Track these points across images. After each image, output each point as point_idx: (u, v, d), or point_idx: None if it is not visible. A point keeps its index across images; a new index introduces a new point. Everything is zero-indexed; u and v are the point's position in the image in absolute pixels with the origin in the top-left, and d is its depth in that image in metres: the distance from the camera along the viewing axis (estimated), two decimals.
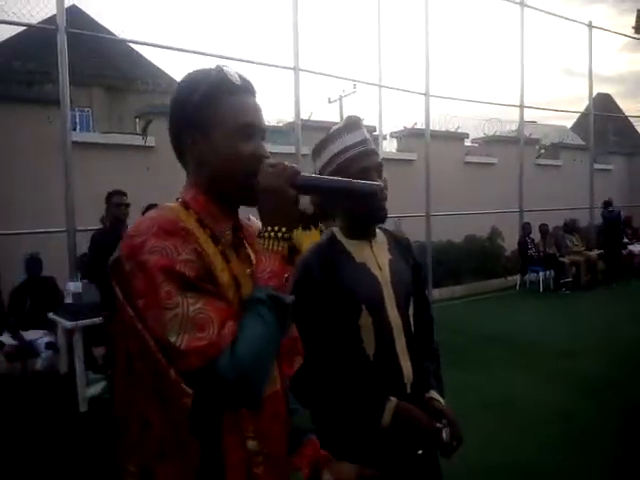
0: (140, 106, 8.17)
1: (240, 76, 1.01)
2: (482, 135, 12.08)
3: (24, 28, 6.07)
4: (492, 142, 11.86)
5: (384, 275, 1.44)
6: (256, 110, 1.02)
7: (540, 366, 5.16)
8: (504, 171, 10.50)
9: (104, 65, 14.98)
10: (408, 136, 10.27)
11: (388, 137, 10.56)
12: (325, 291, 1.35)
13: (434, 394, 1.43)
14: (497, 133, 12.05)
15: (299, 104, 6.52)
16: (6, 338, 4.69)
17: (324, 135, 1.46)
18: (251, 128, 0.99)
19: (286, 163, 0.97)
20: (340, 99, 18.11)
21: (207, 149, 0.97)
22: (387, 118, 8.31)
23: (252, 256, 1.05)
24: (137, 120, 7.89)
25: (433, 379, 1.48)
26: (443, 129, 10.72)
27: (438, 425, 1.32)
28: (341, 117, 15.35)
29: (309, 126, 7.48)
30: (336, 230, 1.48)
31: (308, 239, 2.38)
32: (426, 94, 7.87)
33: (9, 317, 4.84)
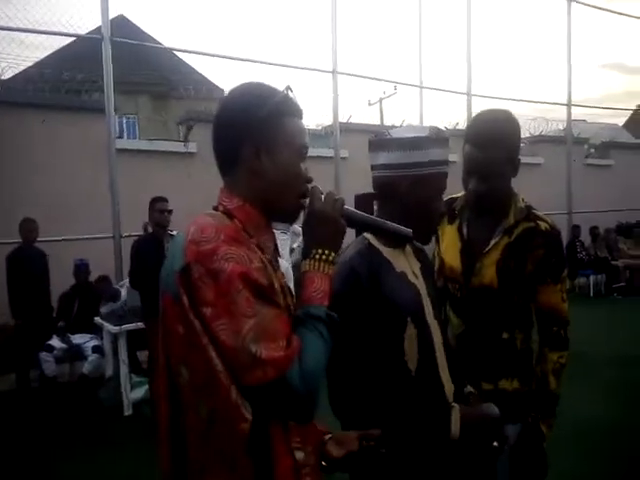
0: (182, 112, 8.37)
1: (294, 98, 1.06)
2: (527, 135, 11.71)
3: (74, 39, 6.30)
4: (538, 142, 11.49)
5: (421, 284, 1.39)
6: (306, 134, 1.07)
7: (590, 376, 4.92)
8: (551, 172, 10.15)
9: (150, 73, 15.41)
10: (450, 137, 10.04)
11: None
12: (371, 300, 1.29)
13: (470, 388, 1.42)
14: (543, 132, 11.67)
15: (337, 107, 6.50)
16: (55, 341, 4.85)
17: (374, 135, 1.38)
18: (306, 151, 1.05)
19: (334, 193, 1.05)
20: (380, 101, 18.01)
21: (269, 164, 0.99)
22: (428, 119, 8.17)
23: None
24: (179, 127, 8.04)
25: None
26: None
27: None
28: (381, 119, 15.22)
29: (348, 129, 7.45)
30: (369, 237, 1.42)
31: None
32: (468, 93, 7.70)
33: (58, 321, 5.01)
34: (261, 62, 6.50)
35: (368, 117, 12.07)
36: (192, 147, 6.78)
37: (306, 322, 0.94)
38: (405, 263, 1.39)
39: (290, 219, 1.07)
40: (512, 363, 1.62)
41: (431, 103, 8.55)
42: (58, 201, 5.69)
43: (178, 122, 8.15)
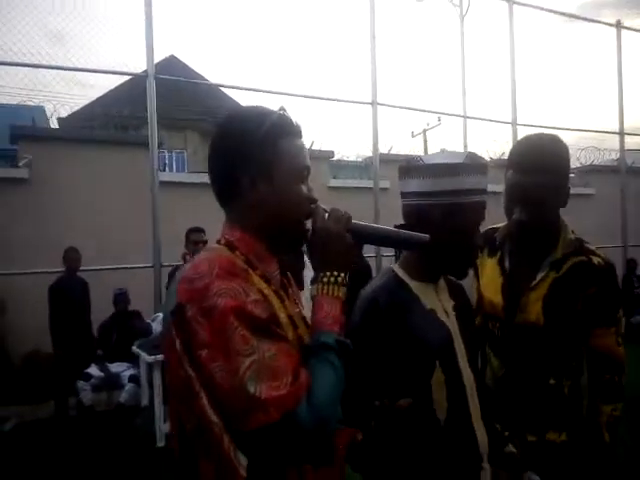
0: None
1: (295, 119, 1.00)
2: (578, 165, 11.29)
3: (129, 78, 6.56)
4: (590, 172, 11.04)
5: (452, 323, 1.26)
6: (307, 153, 1.01)
7: None
8: (604, 203, 9.69)
9: (198, 110, 15.95)
10: (494, 167, 9.80)
11: None
12: (394, 339, 1.18)
13: (512, 447, 1.27)
14: (595, 162, 11.22)
15: (377, 138, 6.45)
16: (93, 370, 4.89)
17: (406, 162, 1.28)
18: (307, 171, 0.99)
19: (339, 209, 0.98)
20: (424, 132, 17.92)
21: (268, 192, 0.93)
22: (473, 150, 7.96)
23: (297, 294, 1.05)
24: None
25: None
26: None
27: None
28: (425, 150, 15.09)
29: (389, 160, 7.38)
30: (397, 268, 1.31)
31: None
32: (513, 123, 7.51)
33: (97, 349, 5.06)
34: (302, 96, 6.58)
35: (411, 148, 11.93)
36: None
37: (315, 352, 0.87)
38: (435, 299, 1.27)
39: (296, 246, 1.00)
40: (560, 413, 1.45)
41: (475, 133, 8.36)
42: (104, 231, 5.86)
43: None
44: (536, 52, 10.16)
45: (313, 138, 7.94)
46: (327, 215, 0.98)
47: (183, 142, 16.74)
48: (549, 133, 1.57)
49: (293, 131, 0.98)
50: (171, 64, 17.10)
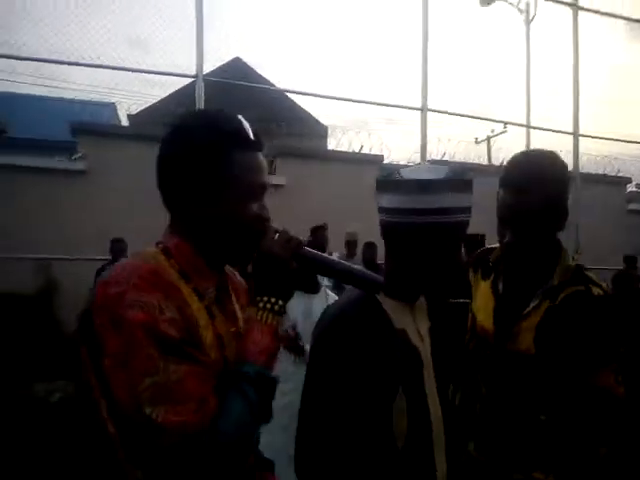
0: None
1: (253, 130, 0.92)
2: None
3: (191, 80, 6.73)
4: None
5: (425, 347, 1.18)
6: (265, 169, 0.94)
7: None
8: None
9: (258, 111, 16.23)
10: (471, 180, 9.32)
11: None
12: (357, 359, 1.12)
13: None
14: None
15: (426, 144, 6.31)
16: None
17: (383, 175, 1.24)
18: (260, 188, 0.92)
19: (290, 233, 0.93)
20: (488, 139, 17.38)
21: (215, 206, 0.88)
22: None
23: (238, 312, 0.99)
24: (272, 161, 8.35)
25: None
26: (600, 172, 9.59)
27: None
28: (489, 158, 14.62)
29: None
30: None
31: None
32: (574, 134, 7.11)
33: None
34: (351, 100, 6.56)
35: (475, 155, 11.58)
36: (280, 180, 6.95)
37: (233, 380, 0.83)
38: (409, 320, 1.20)
39: (241, 262, 0.95)
40: (549, 452, 1.33)
41: (539, 142, 7.98)
42: (151, 223, 6.05)
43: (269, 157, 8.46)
44: (602, 59, 9.56)
45: (363, 142, 7.91)
46: (276, 236, 0.93)
47: None
48: (547, 150, 1.45)
49: (249, 144, 0.91)
50: (236, 67, 17.56)
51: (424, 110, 6.24)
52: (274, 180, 7.04)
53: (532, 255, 1.38)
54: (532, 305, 1.36)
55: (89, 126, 6.40)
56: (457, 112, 6.90)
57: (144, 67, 5.57)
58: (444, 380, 1.20)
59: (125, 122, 10.78)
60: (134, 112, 9.22)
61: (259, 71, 17.60)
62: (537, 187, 1.31)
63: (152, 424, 0.73)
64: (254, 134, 0.92)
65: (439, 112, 6.49)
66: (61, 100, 10.07)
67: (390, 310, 1.19)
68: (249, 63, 18.27)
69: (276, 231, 0.93)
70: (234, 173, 0.89)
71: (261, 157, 0.94)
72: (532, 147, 8.02)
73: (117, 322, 0.76)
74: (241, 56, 18.59)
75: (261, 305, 0.89)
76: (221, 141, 0.88)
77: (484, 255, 1.56)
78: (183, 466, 0.75)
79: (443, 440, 1.15)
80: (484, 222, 2.14)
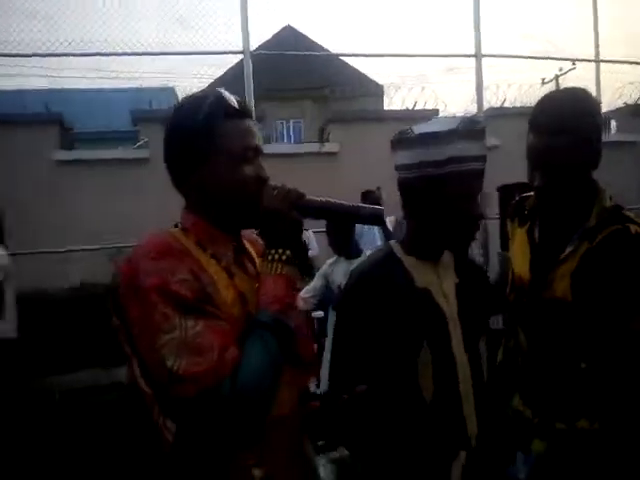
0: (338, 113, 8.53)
1: (237, 99, 0.99)
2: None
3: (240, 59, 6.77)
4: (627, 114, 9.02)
5: (450, 304, 1.19)
6: (254, 132, 1.00)
7: None
8: None
9: (313, 78, 16.10)
10: (627, 114, 8.56)
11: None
12: (380, 316, 1.15)
13: None
14: None
15: (482, 93, 6.02)
16: None
17: (397, 133, 1.23)
18: (252, 151, 0.98)
19: (288, 186, 0.97)
20: (556, 78, 16.27)
21: (209, 175, 0.96)
22: (607, 96, 7.06)
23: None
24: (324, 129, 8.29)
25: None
26: None
27: None
28: None
29: (502, 114, 6.87)
30: (394, 245, 1.26)
31: None
32: None
33: None
34: (405, 55, 6.40)
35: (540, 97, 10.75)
36: (333, 147, 6.90)
37: (252, 330, 0.88)
38: (433, 278, 1.20)
39: (249, 224, 1.02)
40: (593, 400, 1.29)
41: (610, 77, 7.36)
42: None
43: (321, 126, 8.39)
44: None
45: (415, 98, 7.65)
46: (275, 193, 0.97)
47: (300, 111, 17.06)
48: (577, 87, 1.36)
49: (233, 112, 0.97)
50: (287, 35, 17.45)
51: (478, 56, 5.93)
52: (327, 148, 7.02)
53: (567, 198, 1.32)
54: (569, 250, 1.30)
55: (148, 113, 6.68)
56: (514, 54, 6.49)
57: (192, 48, 5.68)
58: (473, 336, 1.19)
59: None
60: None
61: (311, 37, 17.47)
62: (564, 128, 1.25)
63: (174, 376, 0.80)
64: (239, 103, 0.98)
65: (495, 56, 6.15)
66: (120, 91, 10.54)
67: (412, 269, 1.20)
68: (300, 30, 18.18)
69: (274, 187, 0.96)
70: (222, 141, 0.95)
71: (248, 123, 0.99)
72: (602, 82, 7.40)
73: (136, 291, 0.84)
74: (292, 24, 18.50)
75: (270, 257, 0.93)
76: (205, 116, 0.95)
77: (521, 203, 1.51)
78: (208, 414, 0.81)
79: (472, 395, 1.15)
80: None
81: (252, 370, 0.83)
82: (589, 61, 7.29)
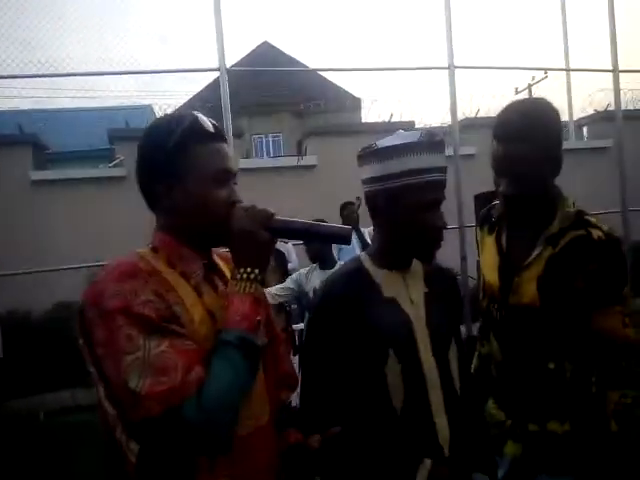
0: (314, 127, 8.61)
1: (212, 123, 1.01)
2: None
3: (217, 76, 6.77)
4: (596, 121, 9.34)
5: (418, 313, 1.20)
6: (228, 156, 1.02)
7: None
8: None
9: (291, 92, 16.22)
10: (600, 121, 8.81)
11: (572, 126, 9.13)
12: (347, 329, 1.17)
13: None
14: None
15: (455, 104, 6.11)
16: None
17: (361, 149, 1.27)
18: (224, 174, 1.00)
19: (259, 206, 0.98)
20: (529, 87, 16.65)
21: (181, 196, 0.98)
22: (577, 103, 7.26)
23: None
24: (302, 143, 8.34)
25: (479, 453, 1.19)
26: None
27: None
28: None
29: (476, 124, 6.99)
30: (364, 257, 1.28)
31: None
32: (614, 70, 6.68)
33: None
34: (378, 69, 6.51)
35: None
36: (311, 160, 6.94)
37: (217, 349, 0.88)
38: (400, 287, 1.22)
39: (219, 243, 1.03)
40: (562, 400, 1.32)
41: (580, 85, 7.57)
42: None
43: (299, 139, 8.44)
44: None
45: (392, 110, 7.77)
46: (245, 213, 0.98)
47: (279, 126, 17.13)
48: (539, 97, 1.42)
49: (207, 135, 0.99)
50: (265, 51, 17.59)
51: (451, 68, 6.04)
52: (305, 161, 7.06)
53: (529, 204, 1.36)
54: (534, 255, 1.34)
55: (123, 132, 6.65)
56: (487, 65, 6.63)
57: (170, 66, 5.68)
58: (442, 344, 1.21)
59: None
60: (168, 112, 9.45)
61: (289, 52, 17.62)
62: (525, 136, 1.29)
63: (137, 396, 0.80)
64: (213, 126, 1.00)
65: (467, 68, 6.26)
66: (97, 109, 10.49)
67: (380, 280, 1.22)
68: (277, 46, 18.34)
69: (245, 208, 0.98)
70: (194, 163, 0.96)
71: (222, 146, 1.01)
72: (573, 90, 7.61)
73: (100, 313, 0.84)
74: (269, 40, 18.65)
75: (238, 277, 0.94)
76: (184, 137, 0.96)
77: (489, 211, 1.55)
78: (173, 433, 0.81)
79: (442, 402, 1.17)
80: None
81: (217, 389, 0.83)
82: (560, 70, 7.51)
